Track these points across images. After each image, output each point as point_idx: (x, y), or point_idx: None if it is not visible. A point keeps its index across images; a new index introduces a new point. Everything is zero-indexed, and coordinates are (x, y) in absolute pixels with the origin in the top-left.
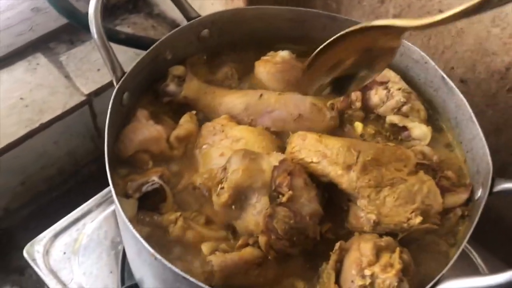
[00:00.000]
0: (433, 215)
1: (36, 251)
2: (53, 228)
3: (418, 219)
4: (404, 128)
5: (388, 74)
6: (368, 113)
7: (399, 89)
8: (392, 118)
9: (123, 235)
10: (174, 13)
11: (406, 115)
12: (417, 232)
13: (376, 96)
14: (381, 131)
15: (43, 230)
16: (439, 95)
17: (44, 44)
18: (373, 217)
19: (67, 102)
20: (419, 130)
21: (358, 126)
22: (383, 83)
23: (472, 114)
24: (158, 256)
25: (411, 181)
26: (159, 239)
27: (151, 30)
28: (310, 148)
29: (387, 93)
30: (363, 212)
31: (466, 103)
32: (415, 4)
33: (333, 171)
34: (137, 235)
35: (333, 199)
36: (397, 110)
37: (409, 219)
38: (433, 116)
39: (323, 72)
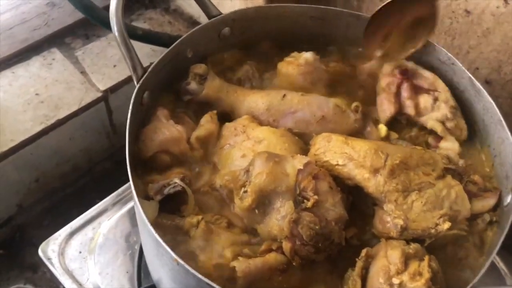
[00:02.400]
0: (461, 221)
1: (51, 250)
2: (68, 227)
3: (446, 225)
4: (437, 138)
5: (437, 83)
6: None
7: (447, 102)
8: (435, 125)
9: (143, 237)
10: (191, 8)
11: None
12: (444, 238)
13: (422, 103)
14: (405, 138)
15: (56, 227)
16: (466, 97)
17: (59, 39)
18: (400, 222)
19: (83, 98)
20: (451, 144)
21: (382, 128)
22: (431, 91)
23: (501, 117)
24: (181, 261)
25: (439, 185)
26: (179, 243)
27: (168, 26)
28: (335, 150)
29: (433, 103)
30: (390, 217)
31: (495, 106)
32: (440, 3)
33: (360, 175)
34: (159, 239)
35: (356, 202)
36: (441, 124)
37: (437, 224)
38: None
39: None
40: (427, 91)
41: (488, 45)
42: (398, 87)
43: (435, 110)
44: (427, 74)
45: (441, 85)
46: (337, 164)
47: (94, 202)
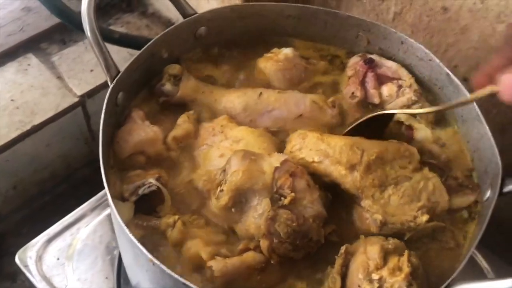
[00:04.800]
0: (440, 213)
1: (28, 257)
2: (46, 233)
3: (425, 217)
4: (409, 128)
5: (401, 71)
6: (370, 107)
7: (411, 86)
8: (400, 116)
9: (119, 239)
10: (169, 12)
11: (413, 115)
12: (424, 231)
13: (386, 91)
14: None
15: (35, 235)
16: (444, 93)
17: (35, 45)
18: (379, 217)
19: (59, 103)
20: (424, 132)
21: None
22: (395, 79)
23: (480, 113)
24: (156, 261)
25: (416, 178)
26: (156, 244)
27: (145, 30)
28: (311, 147)
29: (397, 90)
30: (369, 213)
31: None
32: (417, 1)
33: (336, 171)
34: (134, 240)
35: (335, 199)
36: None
37: (415, 217)
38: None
39: None
40: (391, 79)
41: (466, 42)
42: (364, 77)
43: (400, 96)
44: (390, 63)
45: (404, 73)
46: (313, 161)
47: (74, 209)
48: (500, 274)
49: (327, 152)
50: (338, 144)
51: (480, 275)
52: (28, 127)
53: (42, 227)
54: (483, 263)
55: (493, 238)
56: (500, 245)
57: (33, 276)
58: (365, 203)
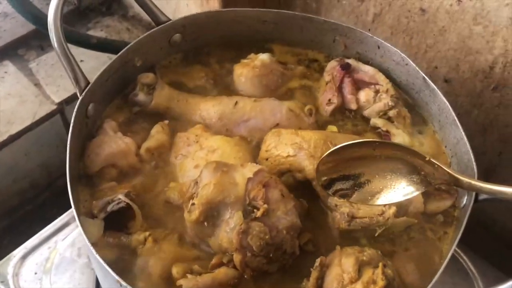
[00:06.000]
0: (414, 213)
1: (5, 272)
2: (23, 247)
3: (392, 210)
4: (386, 134)
5: (378, 76)
6: (348, 113)
7: (387, 92)
8: (377, 121)
9: (90, 257)
10: None
11: (391, 121)
12: (397, 228)
13: (364, 96)
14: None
15: (17, 246)
16: (421, 98)
17: (12, 51)
18: (346, 210)
19: (36, 111)
20: (401, 138)
21: (332, 129)
22: (372, 84)
23: (456, 118)
24: (124, 283)
25: None
26: (127, 262)
27: (126, 33)
28: (286, 142)
29: (375, 95)
30: (337, 208)
31: (449, 106)
32: (396, 3)
33: (310, 165)
34: (101, 260)
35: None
36: (383, 114)
37: (383, 211)
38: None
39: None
40: (368, 84)
41: (445, 43)
42: (341, 82)
43: (377, 101)
44: (367, 68)
45: (381, 78)
46: (288, 155)
47: (56, 218)
48: (485, 276)
49: (301, 146)
50: (312, 137)
51: (466, 278)
52: (4, 137)
53: (24, 238)
54: (469, 265)
55: (478, 241)
56: (486, 247)
57: None
58: (334, 199)
